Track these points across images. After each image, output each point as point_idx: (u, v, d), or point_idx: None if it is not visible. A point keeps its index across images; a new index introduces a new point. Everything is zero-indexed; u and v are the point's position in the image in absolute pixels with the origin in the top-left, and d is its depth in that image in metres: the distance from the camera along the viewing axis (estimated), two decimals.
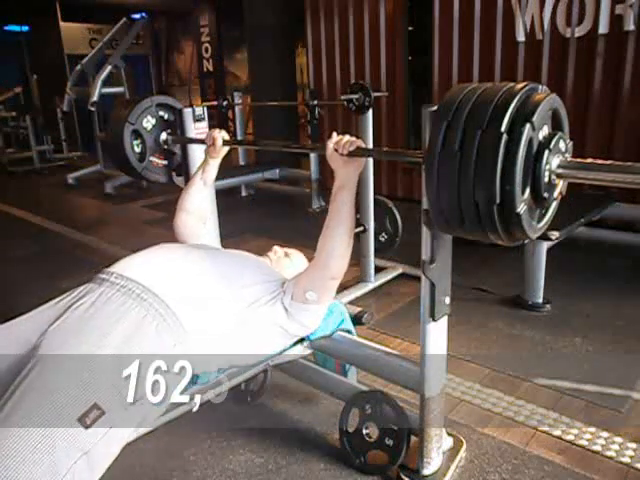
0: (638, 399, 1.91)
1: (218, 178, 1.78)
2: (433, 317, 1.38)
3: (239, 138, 5.55)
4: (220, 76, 9.69)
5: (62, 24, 9.73)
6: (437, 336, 1.45)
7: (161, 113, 2.05)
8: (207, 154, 1.72)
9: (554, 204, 1.12)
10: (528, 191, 1.00)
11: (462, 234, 1.11)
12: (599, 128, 3.68)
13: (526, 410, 1.88)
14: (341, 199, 1.39)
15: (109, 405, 1.05)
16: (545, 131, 1.02)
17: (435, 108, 1.11)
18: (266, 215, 4.95)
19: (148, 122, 2.01)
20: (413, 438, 1.55)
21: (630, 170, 0.96)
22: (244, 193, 5.70)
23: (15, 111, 8.38)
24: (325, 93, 5.42)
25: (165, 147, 2.06)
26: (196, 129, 2.11)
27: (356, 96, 2.74)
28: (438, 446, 1.53)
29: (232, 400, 1.96)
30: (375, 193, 2.87)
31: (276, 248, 1.75)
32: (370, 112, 2.74)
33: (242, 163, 5.58)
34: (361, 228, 2.86)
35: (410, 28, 4.81)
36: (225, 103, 4.84)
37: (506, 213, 0.98)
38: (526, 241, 1.07)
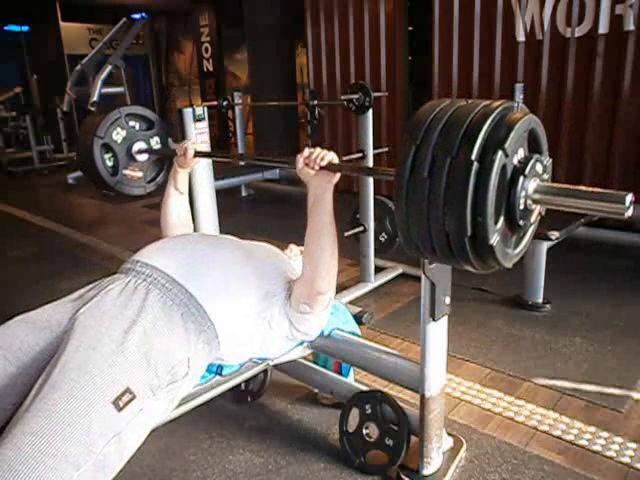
0: (638, 399, 1.91)
1: (218, 178, 1.79)
2: (433, 317, 1.38)
3: (239, 138, 5.57)
4: (220, 76, 9.69)
5: (62, 24, 9.73)
6: (437, 336, 1.45)
7: (131, 123, 1.99)
8: (177, 163, 1.72)
9: (532, 228, 1.06)
10: (502, 220, 0.94)
11: (435, 261, 1.07)
12: (599, 128, 3.68)
13: (526, 410, 1.88)
14: (317, 215, 1.33)
15: (140, 390, 1.08)
16: (520, 154, 0.95)
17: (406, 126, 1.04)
18: (266, 215, 4.95)
19: (118, 134, 1.95)
20: (413, 438, 1.55)
21: (608, 198, 0.91)
22: (244, 193, 5.71)
23: (15, 111, 8.38)
24: (325, 93, 5.42)
25: (138, 159, 2.01)
26: (196, 129, 2.12)
27: (356, 96, 2.74)
28: (438, 446, 1.53)
29: (232, 400, 1.97)
30: (375, 193, 2.87)
31: (292, 246, 1.75)
32: (370, 112, 2.74)
33: (242, 163, 5.58)
34: (361, 228, 2.86)
35: (410, 28, 4.82)
36: (225, 103, 4.83)
37: (478, 244, 0.92)
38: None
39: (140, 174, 2.03)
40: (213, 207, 2.22)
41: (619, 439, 1.70)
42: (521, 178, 0.93)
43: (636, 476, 1.55)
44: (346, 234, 2.83)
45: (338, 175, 1.31)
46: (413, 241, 1.00)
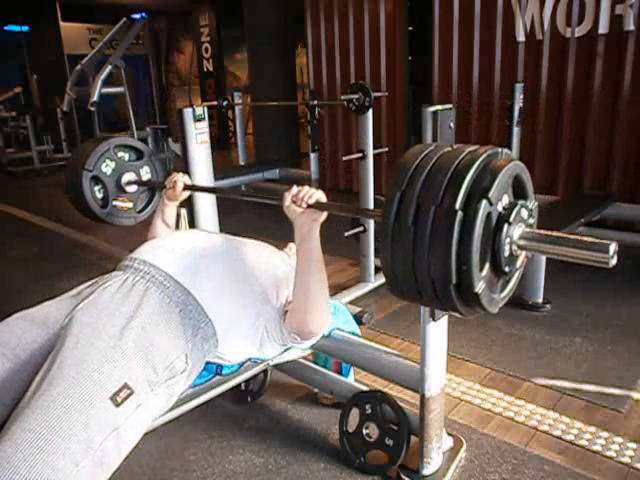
0: (638, 399, 1.91)
1: (218, 178, 1.78)
2: (433, 317, 1.38)
3: (239, 138, 5.57)
4: (220, 76, 9.69)
5: (62, 24, 9.73)
6: (437, 336, 1.45)
7: (120, 154, 1.99)
8: (165, 196, 1.71)
9: (517, 273, 1.05)
10: (487, 267, 0.94)
11: (420, 305, 1.06)
12: (599, 128, 3.68)
13: (526, 410, 1.88)
14: (305, 254, 1.30)
15: (138, 385, 1.08)
16: (505, 201, 0.95)
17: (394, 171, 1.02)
18: (266, 215, 4.94)
19: (107, 166, 1.94)
20: (413, 438, 1.55)
21: (593, 247, 0.91)
22: None
23: (15, 111, 8.38)
24: (325, 93, 5.42)
25: (128, 190, 2.00)
26: (196, 129, 2.11)
27: (356, 96, 2.74)
28: (438, 446, 1.53)
29: (232, 400, 1.97)
30: (375, 193, 2.87)
31: (291, 245, 1.75)
32: (370, 112, 2.74)
33: (242, 163, 5.58)
34: (361, 228, 2.86)
35: (410, 28, 4.81)
36: (225, 103, 4.84)
37: (464, 292, 0.92)
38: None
39: (130, 205, 2.02)
40: (213, 207, 2.22)
41: (619, 439, 1.70)
42: (506, 225, 0.93)
43: (636, 476, 1.55)
44: (346, 234, 2.83)
45: (325, 214, 1.30)
46: (399, 286, 1.00)
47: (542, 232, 0.98)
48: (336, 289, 2.81)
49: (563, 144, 3.88)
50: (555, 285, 2.73)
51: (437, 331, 1.44)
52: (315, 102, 4.56)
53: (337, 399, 1.82)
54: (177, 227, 1.84)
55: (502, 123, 3.72)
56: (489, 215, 0.91)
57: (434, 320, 1.38)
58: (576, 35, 3.67)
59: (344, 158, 2.93)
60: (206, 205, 2.18)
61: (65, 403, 0.98)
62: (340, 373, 1.88)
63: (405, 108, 4.93)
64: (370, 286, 2.94)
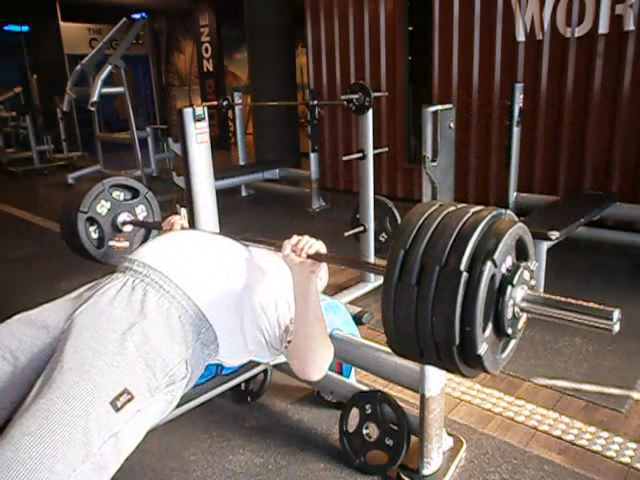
0: (638, 399, 1.91)
1: (218, 178, 1.78)
2: None
3: (239, 138, 5.57)
4: (220, 76, 9.69)
5: (62, 24, 9.73)
6: None
7: (115, 194, 1.98)
8: None
9: (519, 335, 1.05)
10: (490, 328, 0.94)
11: (422, 363, 1.04)
12: (599, 128, 3.68)
13: (526, 410, 1.88)
14: (303, 306, 1.28)
15: (138, 390, 1.08)
16: (508, 262, 0.95)
17: (397, 230, 1.02)
18: (266, 215, 4.95)
19: (102, 207, 1.93)
20: (413, 438, 1.55)
21: (596, 313, 0.91)
22: (244, 193, 5.71)
23: (15, 111, 8.38)
24: (325, 93, 5.42)
25: (124, 230, 2.00)
26: (196, 129, 2.11)
27: (356, 96, 2.74)
28: (438, 446, 1.54)
29: (232, 400, 1.97)
30: (375, 193, 2.87)
31: (286, 243, 1.75)
32: (370, 112, 2.74)
33: (242, 163, 5.58)
34: (361, 228, 2.86)
35: (410, 28, 4.81)
36: (225, 103, 4.84)
37: (466, 353, 0.92)
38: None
39: (126, 244, 2.01)
40: (213, 207, 2.22)
41: (619, 439, 1.70)
42: (509, 287, 0.94)
43: (636, 476, 1.55)
44: (346, 234, 2.83)
45: (323, 265, 1.28)
46: (400, 344, 1.00)
47: (545, 295, 0.98)
48: (336, 289, 2.81)
49: (563, 144, 3.88)
50: (555, 285, 2.72)
51: None
52: (315, 102, 4.56)
53: (337, 399, 1.82)
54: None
55: (502, 123, 3.72)
56: (493, 277, 0.90)
57: None
58: (576, 35, 3.67)
59: (344, 158, 2.94)
60: (206, 205, 2.18)
61: (65, 407, 0.98)
62: (341, 373, 1.88)
63: (405, 108, 4.93)
64: (370, 286, 2.94)
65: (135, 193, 2.05)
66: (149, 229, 2.06)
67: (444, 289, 0.89)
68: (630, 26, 3.42)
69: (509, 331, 0.97)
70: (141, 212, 2.05)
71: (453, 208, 0.99)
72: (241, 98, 5.27)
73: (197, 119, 2.10)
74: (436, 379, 1.46)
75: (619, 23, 3.46)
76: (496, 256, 0.89)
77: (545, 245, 2.59)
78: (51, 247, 4.19)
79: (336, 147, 5.49)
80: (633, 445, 1.67)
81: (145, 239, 2.08)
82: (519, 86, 3.22)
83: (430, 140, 2.03)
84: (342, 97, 2.81)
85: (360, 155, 2.80)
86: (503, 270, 0.93)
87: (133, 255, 1.35)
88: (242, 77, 10.03)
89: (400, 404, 1.58)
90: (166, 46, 11.44)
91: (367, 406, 1.62)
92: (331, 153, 5.53)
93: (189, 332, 1.23)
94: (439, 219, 0.96)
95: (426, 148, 2.05)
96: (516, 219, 0.99)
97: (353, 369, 1.89)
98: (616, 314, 0.89)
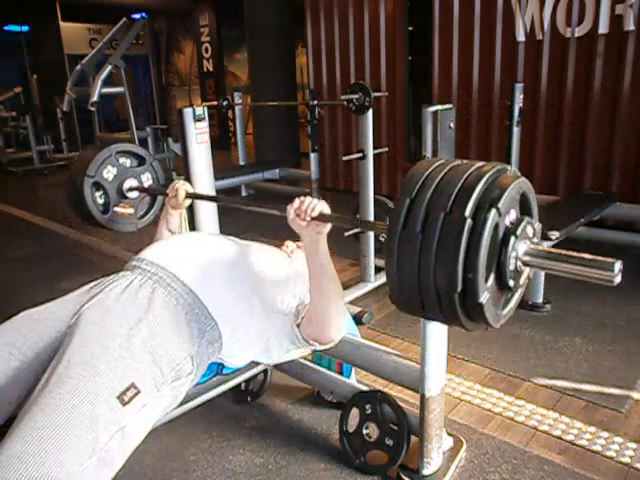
0: (638, 399, 1.91)
1: (218, 178, 1.78)
2: None
3: (239, 138, 5.57)
4: (220, 76, 9.69)
5: (62, 24, 9.73)
6: (437, 336, 1.45)
7: (122, 160, 1.98)
8: (168, 204, 1.71)
9: (520, 290, 1.06)
10: (492, 278, 0.94)
11: (423, 317, 1.05)
12: (599, 128, 3.69)
13: (526, 410, 1.88)
14: (314, 267, 1.30)
15: (144, 385, 1.09)
16: (512, 216, 0.96)
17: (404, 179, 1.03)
18: (266, 215, 4.94)
19: (109, 172, 1.94)
20: (413, 438, 1.55)
21: (597, 265, 0.91)
22: (244, 193, 5.70)
23: (15, 111, 8.38)
24: (325, 93, 5.42)
25: (129, 196, 2.00)
26: (196, 129, 2.11)
27: (356, 96, 2.74)
28: (438, 446, 1.53)
29: (232, 400, 1.97)
30: (375, 193, 2.87)
31: (288, 242, 1.75)
32: (370, 112, 2.74)
33: (242, 163, 5.58)
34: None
35: (410, 28, 4.82)
36: (225, 103, 4.84)
37: (468, 302, 0.92)
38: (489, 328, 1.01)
39: (131, 211, 2.01)
40: (213, 207, 2.22)
41: (619, 439, 1.70)
42: (512, 238, 0.94)
43: (636, 476, 1.55)
44: (346, 234, 2.83)
45: (329, 225, 1.28)
46: (402, 295, 1.00)
47: (547, 249, 0.99)
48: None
49: (563, 144, 3.88)
50: (555, 285, 2.73)
51: (437, 331, 1.44)
52: (315, 102, 4.56)
53: (337, 399, 1.82)
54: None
55: (502, 123, 3.72)
56: (497, 226, 0.92)
57: None
58: (576, 35, 3.67)
59: (344, 158, 2.93)
60: (207, 204, 2.18)
61: (73, 401, 0.99)
62: (341, 374, 1.88)
63: (405, 108, 4.93)
64: (370, 286, 2.94)
65: (141, 160, 2.04)
66: (154, 195, 2.06)
67: (448, 236, 0.90)
68: (630, 26, 3.42)
69: (511, 283, 0.97)
70: (147, 180, 2.05)
71: (459, 162, 1.01)
72: (241, 98, 5.27)
73: (197, 119, 2.10)
74: (436, 379, 1.47)
75: (619, 23, 3.46)
76: (500, 204, 0.90)
77: (545, 245, 2.59)
78: (51, 247, 4.20)
79: (336, 147, 5.49)
80: (633, 445, 1.67)
81: (150, 206, 2.08)
82: (519, 86, 3.22)
83: (430, 140, 2.02)
84: (342, 97, 2.81)
85: (360, 155, 2.80)
86: (507, 222, 0.95)
87: (141, 254, 1.37)
88: (242, 77, 10.03)
89: (400, 404, 1.58)
90: (166, 46, 11.44)
91: (367, 406, 1.62)
92: (331, 153, 5.53)
93: (195, 329, 1.24)
94: (445, 171, 0.98)
95: (426, 148, 2.05)
96: (519, 175, 1.00)
97: (353, 369, 1.89)
98: (617, 265, 0.90)
